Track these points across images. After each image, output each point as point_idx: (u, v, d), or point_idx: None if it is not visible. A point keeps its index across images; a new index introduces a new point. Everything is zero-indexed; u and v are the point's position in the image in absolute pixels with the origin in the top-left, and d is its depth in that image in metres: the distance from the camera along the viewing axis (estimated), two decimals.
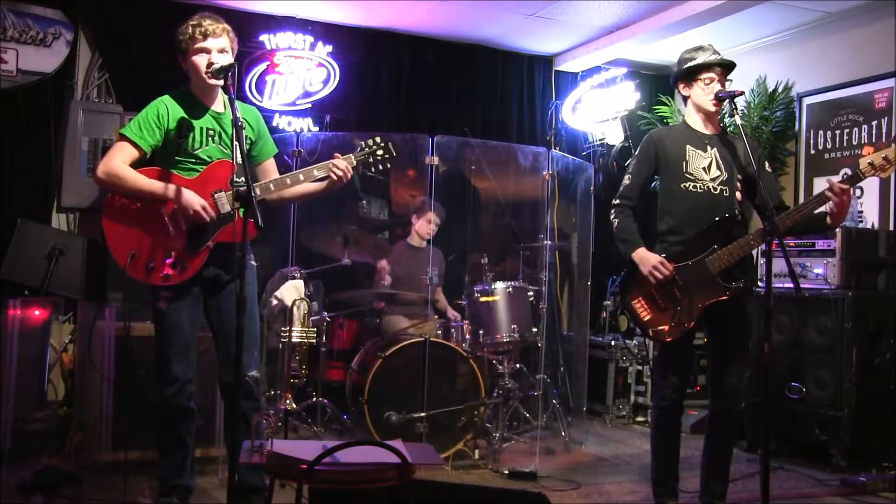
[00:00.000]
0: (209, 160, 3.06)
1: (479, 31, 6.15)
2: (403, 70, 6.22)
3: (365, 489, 2.20)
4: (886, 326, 4.52)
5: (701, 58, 3.39)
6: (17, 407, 3.93)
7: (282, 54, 5.75)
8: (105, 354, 3.93)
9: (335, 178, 3.08)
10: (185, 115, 3.05)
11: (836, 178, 3.19)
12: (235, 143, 2.72)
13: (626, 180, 3.50)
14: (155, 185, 2.98)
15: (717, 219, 3.30)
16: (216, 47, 3.00)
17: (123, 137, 3.01)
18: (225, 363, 3.14)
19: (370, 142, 3.20)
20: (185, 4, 5.08)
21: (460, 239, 5.66)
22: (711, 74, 3.36)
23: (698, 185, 3.36)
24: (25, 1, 5.08)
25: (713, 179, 3.36)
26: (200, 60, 2.99)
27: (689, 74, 3.41)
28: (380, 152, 3.19)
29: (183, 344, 3.08)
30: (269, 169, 3.26)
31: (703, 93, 3.38)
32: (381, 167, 3.22)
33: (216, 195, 3.02)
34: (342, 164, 3.08)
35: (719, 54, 3.41)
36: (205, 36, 2.99)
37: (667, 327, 3.33)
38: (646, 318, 3.40)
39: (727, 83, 3.43)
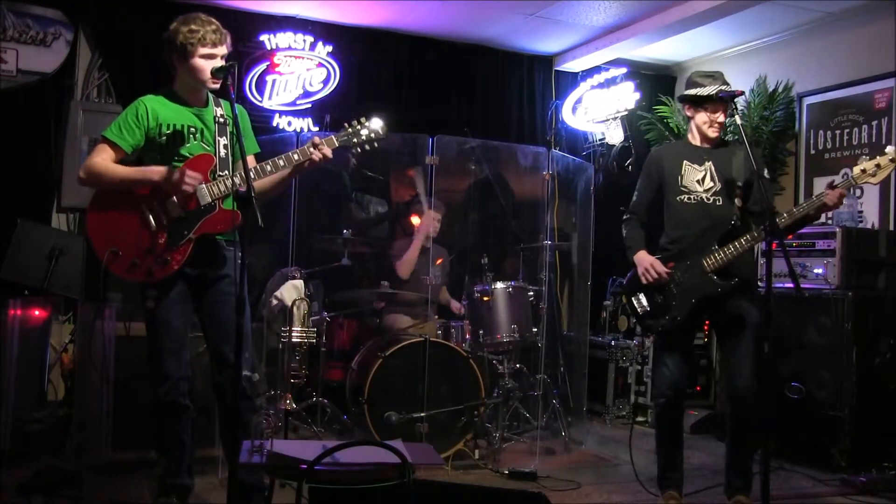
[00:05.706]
0: (191, 157, 3.07)
1: (479, 31, 6.14)
2: (403, 70, 6.21)
3: (365, 489, 2.20)
4: (886, 326, 4.51)
5: (710, 88, 3.51)
6: (17, 407, 3.93)
7: (282, 54, 5.75)
8: (105, 354, 3.93)
9: (309, 157, 3.02)
10: (166, 114, 3.07)
11: (836, 179, 3.23)
12: (236, 142, 2.73)
13: (634, 197, 3.77)
14: (136, 171, 3.01)
15: (714, 224, 3.49)
16: (221, 54, 3.06)
17: (104, 139, 3.05)
18: (217, 363, 3.13)
19: (354, 122, 3.15)
20: (186, 4, 5.07)
21: (460, 239, 5.65)
22: (717, 106, 3.52)
23: (692, 196, 3.58)
24: (25, 1, 5.08)
25: (706, 190, 3.57)
26: (206, 65, 3.03)
27: (697, 101, 3.57)
28: (364, 132, 3.14)
29: (174, 342, 3.09)
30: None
31: (706, 122, 3.56)
32: (367, 147, 3.14)
33: (197, 188, 3.02)
34: (320, 146, 3.03)
35: (728, 84, 3.54)
36: (214, 44, 3.03)
37: (659, 319, 3.55)
38: (642, 312, 3.63)
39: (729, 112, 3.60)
